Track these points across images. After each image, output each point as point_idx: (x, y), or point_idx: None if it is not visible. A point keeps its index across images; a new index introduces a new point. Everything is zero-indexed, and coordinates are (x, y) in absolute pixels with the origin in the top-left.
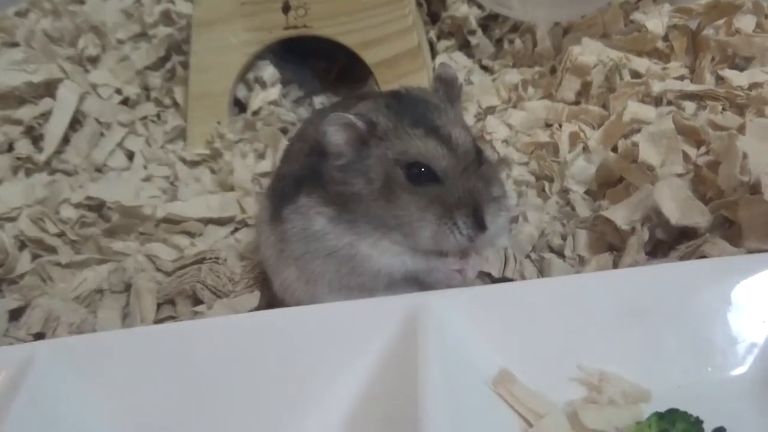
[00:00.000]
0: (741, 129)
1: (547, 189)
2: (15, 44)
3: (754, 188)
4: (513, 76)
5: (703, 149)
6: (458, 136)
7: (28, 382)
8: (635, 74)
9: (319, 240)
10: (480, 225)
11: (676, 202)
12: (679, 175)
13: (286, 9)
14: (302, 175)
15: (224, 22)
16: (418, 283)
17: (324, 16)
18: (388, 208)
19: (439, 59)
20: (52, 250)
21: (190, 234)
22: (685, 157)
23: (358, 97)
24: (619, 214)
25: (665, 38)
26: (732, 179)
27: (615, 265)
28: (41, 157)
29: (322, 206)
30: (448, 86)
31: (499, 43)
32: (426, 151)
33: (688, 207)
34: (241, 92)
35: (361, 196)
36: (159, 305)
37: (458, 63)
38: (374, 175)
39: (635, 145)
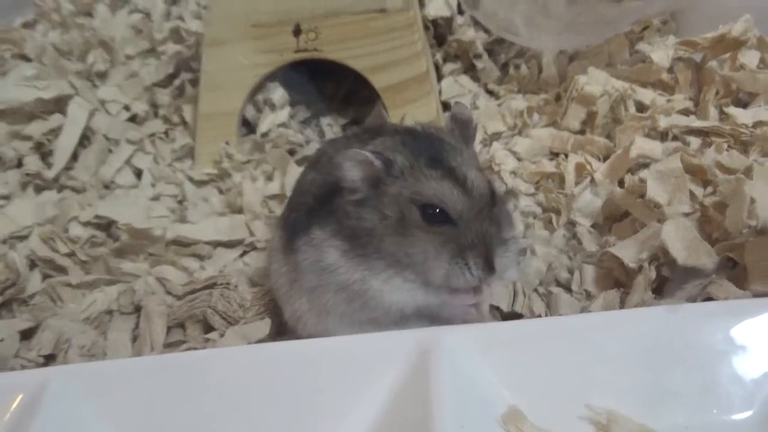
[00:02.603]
0: (748, 172)
1: (554, 221)
2: (23, 56)
3: (761, 232)
4: (518, 102)
5: (709, 189)
6: (474, 179)
7: (43, 409)
8: (640, 105)
9: (331, 273)
10: (490, 267)
11: (683, 243)
12: (686, 214)
13: (297, 32)
14: (315, 207)
15: (235, 43)
16: (429, 317)
17: (334, 40)
18: (401, 244)
19: (445, 82)
20: (63, 270)
21: (200, 256)
22: (692, 196)
23: (372, 131)
24: (627, 252)
25: (670, 70)
26: (739, 223)
27: (622, 302)
28: (50, 174)
29: (334, 239)
30: (462, 126)
31: (504, 67)
32: (442, 194)
33: (695, 248)
34: (250, 113)
35: (374, 231)
36: (169, 328)
37: (464, 86)
38: (389, 212)
39: (642, 180)
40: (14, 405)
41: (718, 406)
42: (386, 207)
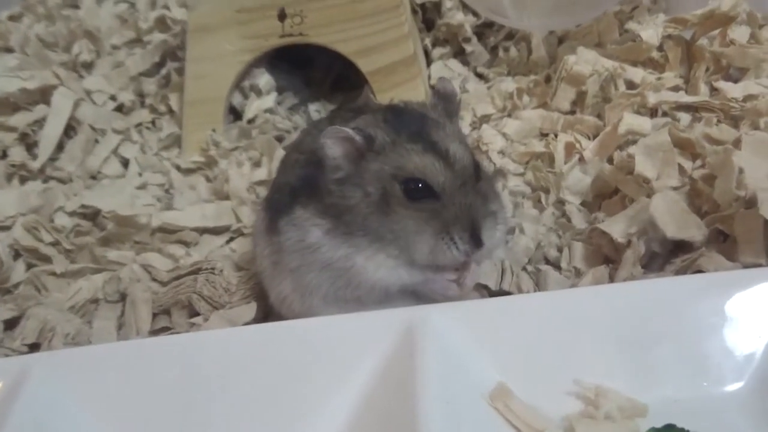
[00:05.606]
0: (736, 143)
1: (543, 200)
2: (8, 49)
3: (750, 203)
4: (508, 84)
5: (698, 162)
6: (456, 152)
7: (24, 395)
8: (630, 84)
9: (314, 252)
10: (476, 241)
11: (671, 216)
12: (675, 188)
13: (282, 17)
14: (298, 187)
15: (220, 30)
16: (414, 295)
17: (320, 24)
18: (384, 222)
19: (434, 67)
20: (47, 259)
21: (186, 243)
22: (681, 170)
23: (356, 110)
24: (616, 227)
25: (660, 48)
26: (728, 194)
27: (611, 278)
28: (35, 164)
29: (317, 218)
30: (446, 101)
31: (494, 50)
32: (423, 166)
33: (684, 220)
34: (237, 99)
35: (357, 209)
36: (154, 315)
37: (453, 70)
38: (371, 189)
39: (631, 156)
40: None
41: (708, 379)
42: (368, 184)
